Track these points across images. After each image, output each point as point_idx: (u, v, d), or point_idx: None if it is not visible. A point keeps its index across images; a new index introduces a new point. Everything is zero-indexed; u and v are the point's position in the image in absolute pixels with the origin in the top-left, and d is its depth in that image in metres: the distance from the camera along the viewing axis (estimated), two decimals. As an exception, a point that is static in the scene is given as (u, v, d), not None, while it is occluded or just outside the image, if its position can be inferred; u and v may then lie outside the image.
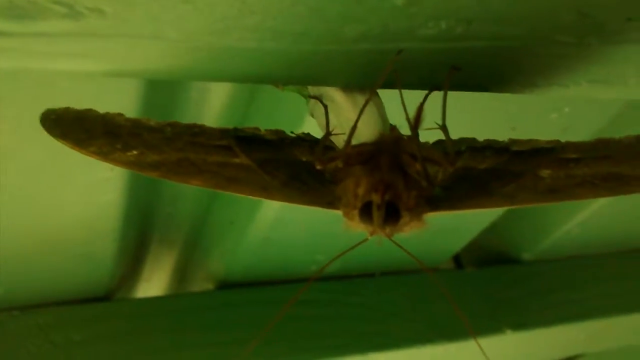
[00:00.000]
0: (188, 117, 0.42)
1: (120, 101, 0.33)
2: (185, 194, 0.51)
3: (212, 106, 0.42)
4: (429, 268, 0.59)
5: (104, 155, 0.22)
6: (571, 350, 0.66)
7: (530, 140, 0.24)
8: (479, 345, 0.27)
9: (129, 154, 0.22)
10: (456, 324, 0.55)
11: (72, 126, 0.22)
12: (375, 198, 0.21)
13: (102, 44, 0.19)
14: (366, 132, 0.25)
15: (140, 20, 0.18)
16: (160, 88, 0.37)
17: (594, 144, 0.24)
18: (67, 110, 0.22)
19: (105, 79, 0.31)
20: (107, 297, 0.52)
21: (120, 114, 0.23)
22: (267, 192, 0.23)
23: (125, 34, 0.19)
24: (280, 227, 0.47)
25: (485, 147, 0.25)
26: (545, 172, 0.23)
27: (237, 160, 0.23)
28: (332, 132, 0.25)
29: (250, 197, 0.24)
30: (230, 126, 0.26)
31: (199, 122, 0.42)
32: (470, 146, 0.25)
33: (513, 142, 0.25)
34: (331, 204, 0.24)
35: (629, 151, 0.23)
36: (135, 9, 0.18)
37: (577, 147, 0.24)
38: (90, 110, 0.23)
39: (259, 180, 0.23)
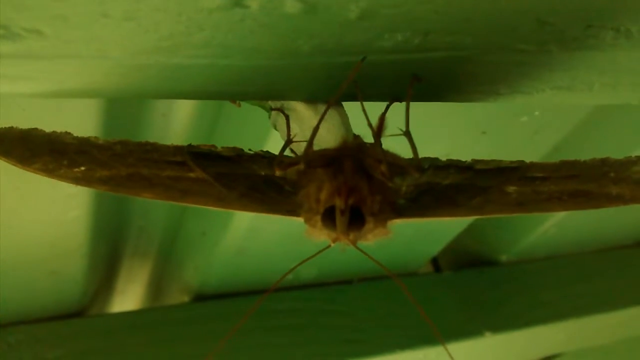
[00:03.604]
0: (155, 130, 0.41)
1: (82, 116, 0.32)
2: (156, 207, 0.50)
3: (180, 119, 0.41)
4: (401, 274, 0.59)
5: (49, 171, 0.21)
6: (550, 349, 0.66)
7: (493, 160, 0.24)
8: (447, 351, 0.27)
9: (75, 169, 0.22)
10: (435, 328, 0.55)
11: (15, 144, 0.22)
12: (339, 202, 0.21)
13: (43, 66, 0.18)
14: (328, 138, 0.24)
15: (81, 40, 0.18)
16: (124, 101, 0.37)
17: (559, 165, 0.24)
18: (10, 130, 0.22)
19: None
20: (80, 312, 0.51)
21: (67, 133, 0.22)
22: (224, 202, 0.23)
23: (67, 54, 0.18)
24: (254, 236, 0.47)
25: (448, 165, 0.24)
26: (511, 188, 0.23)
27: (192, 174, 0.23)
28: (294, 139, 0.24)
29: (207, 207, 0.23)
30: (191, 141, 0.25)
31: (167, 135, 0.42)
32: (434, 164, 0.24)
33: (476, 161, 0.24)
34: (291, 211, 0.23)
35: (595, 172, 0.23)
36: (76, 29, 0.17)
37: (542, 167, 0.24)
38: (35, 129, 0.22)
39: (215, 192, 0.23)
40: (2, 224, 0.38)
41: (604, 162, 0.24)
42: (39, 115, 0.31)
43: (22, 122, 0.23)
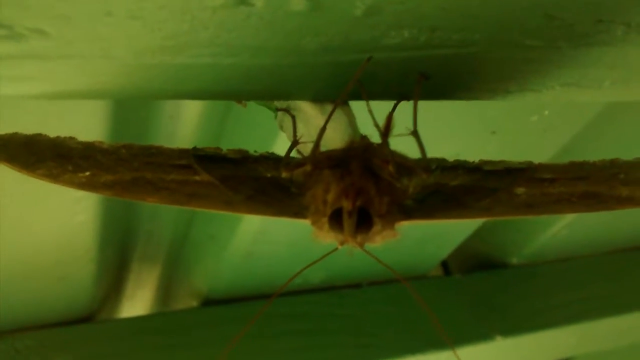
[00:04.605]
0: (163, 132, 0.41)
1: (89, 119, 0.32)
2: (164, 211, 0.50)
3: (187, 121, 0.41)
4: (410, 277, 0.59)
5: (53, 177, 0.21)
6: (561, 353, 0.65)
7: (501, 161, 0.24)
8: (457, 356, 0.26)
9: (80, 175, 0.21)
10: (445, 331, 0.54)
11: (19, 150, 0.21)
12: (346, 204, 0.20)
13: (47, 66, 0.18)
14: (335, 139, 0.24)
15: (85, 40, 0.17)
16: (132, 103, 0.37)
17: (568, 166, 0.24)
18: (14, 135, 0.22)
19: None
20: (89, 318, 0.51)
21: (72, 138, 0.22)
22: (230, 205, 0.23)
23: (71, 54, 0.18)
24: (262, 240, 0.47)
25: (456, 166, 0.24)
26: (520, 190, 0.23)
27: (197, 177, 0.23)
28: (300, 140, 0.24)
29: (214, 211, 0.23)
30: (199, 143, 0.25)
31: (174, 137, 0.42)
32: (441, 165, 0.24)
33: (484, 162, 0.24)
34: (298, 214, 0.23)
35: (604, 173, 0.23)
36: (79, 29, 0.17)
37: (551, 168, 0.24)
38: (39, 134, 0.22)
39: (221, 195, 0.22)
40: (9, 229, 0.38)
41: (613, 163, 0.24)
42: (45, 119, 0.30)
43: (29, 126, 0.22)
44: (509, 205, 0.23)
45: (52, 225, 0.39)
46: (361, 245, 0.21)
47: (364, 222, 0.21)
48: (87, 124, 0.32)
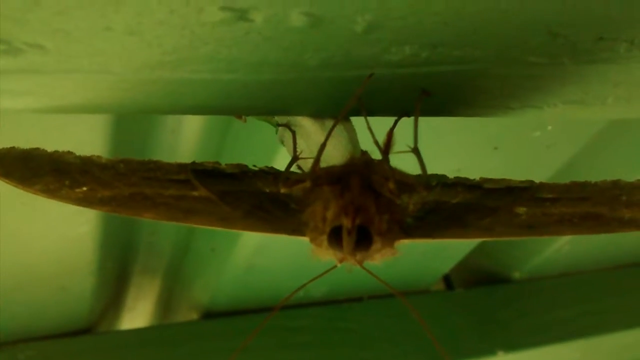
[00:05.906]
0: (164, 146, 0.41)
1: (91, 132, 0.32)
2: (165, 223, 0.50)
3: (189, 135, 0.41)
4: (413, 291, 0.58)
5: (50, 192, 0.21)
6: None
7: (503, 180, 0.24)
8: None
9: (77, 190, 0.21)
10: (446, 346, 0.54)
11: (16, 165, 0.21)
12: (346, 222, 0.20)
13: (45, 80, 0.18)
14: (335, 155, 0.24)
15: (83, 54, 0.17)
16: (133, 116, 0.37)
17: (569, 186, 0.24)
18: (11, 150, 0.22)
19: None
20: (89, 329, 0.51)
21: (69, 152, 0.22)
22: (228, 222, 0.22)
23: (70, 69, 0.18)
24: (263, 253, 0.46)
25: (456, 183, 0.24)
26: (520, 209, 0.23)
27: (195, 193, 0.22)
28: (300, 156, 0.24)
29: (210, 227, 0.23)
30: (201, 157, 0.25)
31: (176, 151, 0.41)
32: (441, 182, 0.24)
33: (485, 180, 0.24)
34: (297, 230, 0.22)
35: (606, 194, 0.23)
36: (78, 43, 0.17)
37: (552, 188, 0.23)
38: (37, 149, 0.22)
39: (219, 211, 0.22)
40: (10, 240, 0.38)
41: (616, 184, 0.23)
42: (45, 132, 0.30)
43: (29, 139, 0.22)
44: (509, 225, 0.22)
45: (53, 236, 0.39)
46: (360, 263, 0.21)
47: (363, 240, 0.20)
48: (87, 138, 0.32)
